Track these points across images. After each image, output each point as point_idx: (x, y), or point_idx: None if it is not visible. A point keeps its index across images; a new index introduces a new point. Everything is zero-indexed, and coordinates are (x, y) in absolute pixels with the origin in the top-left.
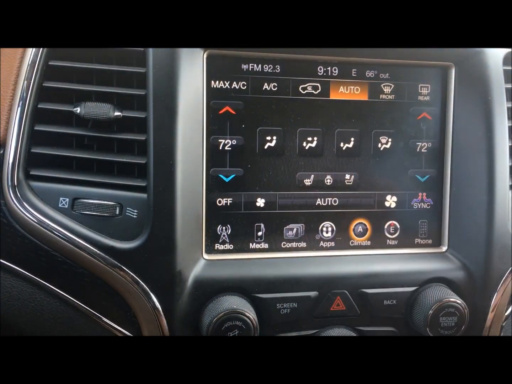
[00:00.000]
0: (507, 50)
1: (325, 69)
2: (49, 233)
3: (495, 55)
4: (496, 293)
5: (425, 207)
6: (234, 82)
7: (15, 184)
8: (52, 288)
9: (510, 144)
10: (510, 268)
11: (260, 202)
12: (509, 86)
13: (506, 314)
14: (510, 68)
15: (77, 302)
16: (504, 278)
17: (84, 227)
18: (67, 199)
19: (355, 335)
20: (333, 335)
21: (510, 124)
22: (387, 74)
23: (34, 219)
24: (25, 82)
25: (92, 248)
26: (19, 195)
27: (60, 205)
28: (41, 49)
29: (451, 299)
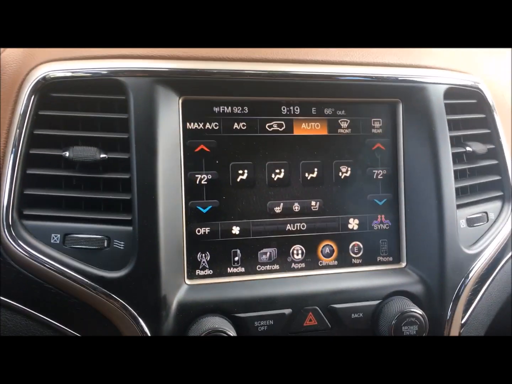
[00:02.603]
0: (447, 86)
1: (288, 108)
2: (43, 267)
3: (436, 90)
4: (451, 303)
5: (384, 227)
6: (207, 123)
7: (10, 224)
8: (45, 319)
9: (455, 168)
10: (463, 280)
11: (236, 230)
12: (450, 117)
13: (462, 322)
14: (450, 101)
15: (69, 330)
16: (457, 288)
17: (75, 260)
18: (59, 235)
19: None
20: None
21: (453, 151)
22: (343, 111)
23: (28, 255)
24: (17, 130)
25: (83, 278)
26: (13, 233)
27: (52, 241)
28: (31, 99)
29: (411, 310)
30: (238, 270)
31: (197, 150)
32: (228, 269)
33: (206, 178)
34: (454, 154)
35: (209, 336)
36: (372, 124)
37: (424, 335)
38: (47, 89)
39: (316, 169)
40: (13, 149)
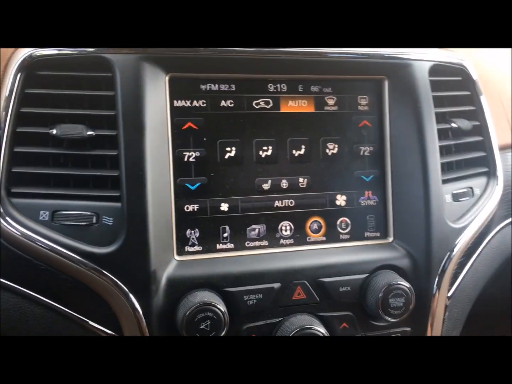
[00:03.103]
0: (432, 63)
1: (274, 86)
2: (32, 243)
3: (421, 67)
4: (437, 276)
5: (371, 203)
6: (195, 101)
7: None
8: (36, 296)
9: (440, 144)
10: (448, 253)
11: (224, 207)
12: (435, 94)
13: (449, 294)
14: (435, 78)
15: (60, 306)
16: (443, 262)
17: (64, 236)
18: (47, 212)
19: (316, 320)
20: (296, 322)
21: (439, 127)
22: (330, 88)
23: (17, 232)
24: (4, 109)
25: (72, 254)
26: (2, 211)
27: (41, 218)
28: (17, 78)
29: (398, 282)
30: (227, 246)
31: (184, 127)
32: (217, 245)
33: (194, 156)
34: (439, 131)
35: (204, 336)
36: (358, 101)
37: (410, 307)
38: (33, 67)
39: (303, 146)
40: (0, 128)
